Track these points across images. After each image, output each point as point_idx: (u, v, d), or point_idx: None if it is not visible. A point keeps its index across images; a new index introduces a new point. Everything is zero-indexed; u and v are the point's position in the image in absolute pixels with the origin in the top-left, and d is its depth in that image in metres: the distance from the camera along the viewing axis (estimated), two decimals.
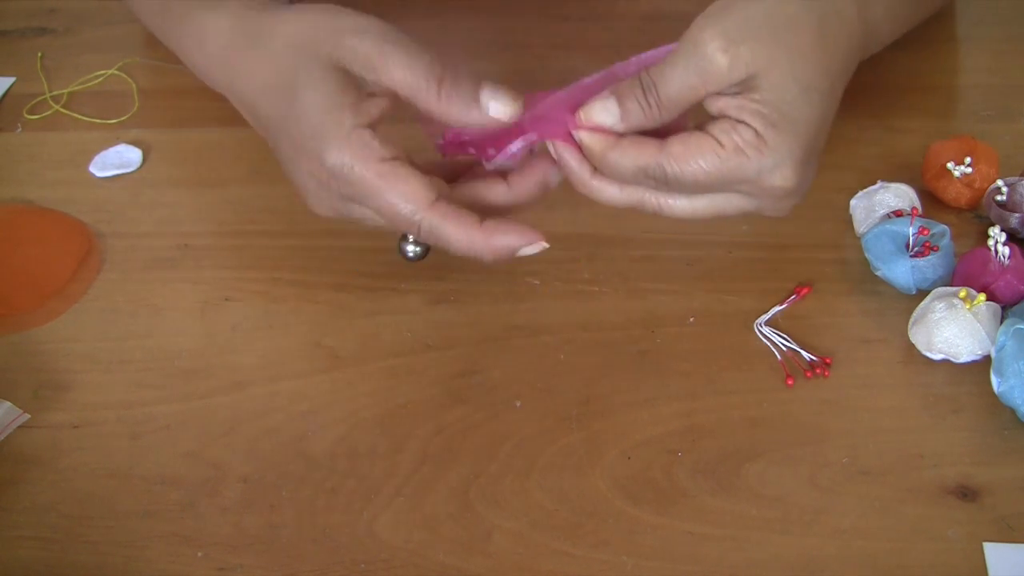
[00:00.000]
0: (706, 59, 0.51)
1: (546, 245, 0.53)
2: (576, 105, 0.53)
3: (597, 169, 0.54)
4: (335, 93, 0.53)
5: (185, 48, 0.63)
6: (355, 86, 0.53)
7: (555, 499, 0.51)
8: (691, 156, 0.51)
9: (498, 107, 0.53)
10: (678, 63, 0.51)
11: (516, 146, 0.54)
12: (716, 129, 0.51)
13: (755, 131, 0.51)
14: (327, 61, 0.53)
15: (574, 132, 0.53)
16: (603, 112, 0.53)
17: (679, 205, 0.54)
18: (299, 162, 0.54)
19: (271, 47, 0.56)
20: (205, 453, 0.53)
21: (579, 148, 0.53)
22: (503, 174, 0.55)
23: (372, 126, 0.53)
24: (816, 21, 0.53)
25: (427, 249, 0.58)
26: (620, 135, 0.52)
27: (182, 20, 0.62)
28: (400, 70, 0.53)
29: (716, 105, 0.52)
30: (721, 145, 0.51)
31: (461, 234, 0.52)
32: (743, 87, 0.51)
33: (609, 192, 0.54)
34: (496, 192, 0.55)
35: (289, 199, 0.60)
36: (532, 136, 0.54)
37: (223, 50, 0.59)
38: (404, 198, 0.52)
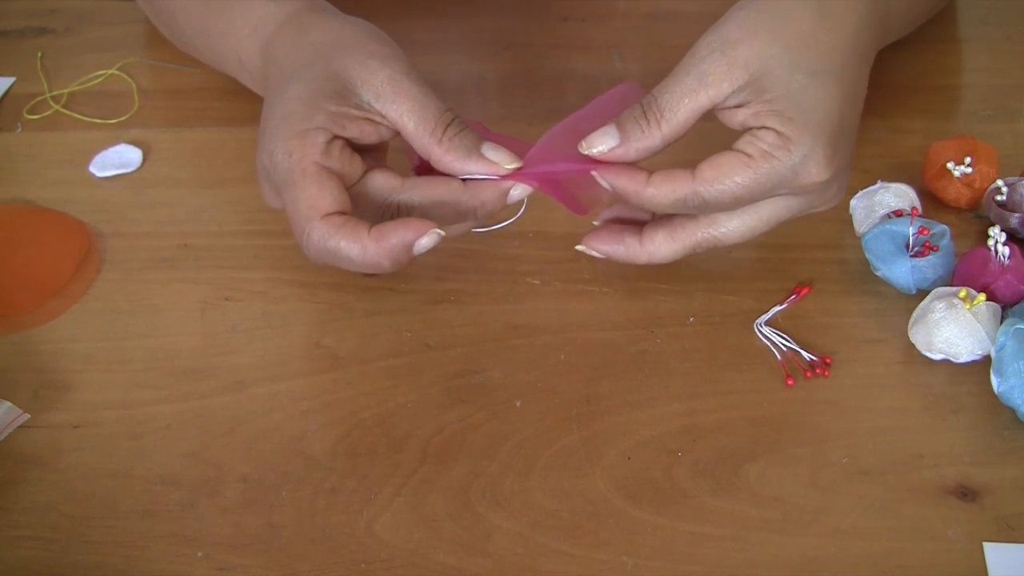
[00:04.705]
0: (702, 62, 0.52)
1: (442, 233, 0.52)
2: (566, 144, 0.54)
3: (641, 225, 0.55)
4: (323, 95, 0.53)
5: (231, 34, 0.63)
6: (347, 104, 0.53)
7: (555, 499, 0.51)
8: (723, 175, 0.51)
9: (498, 160, 0.54)
10: (677, 73, 0.52)
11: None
12: (741, 143, 0.52)
13: (775, 132, 0.51)
14: (339, 69, 0.54)
15: (597, 175, 0.53)
16: (602, 136, 0.53)
17: (732, 229, 0.54)
18: (262, 142, 0.54)
19: (303, 40, 0.57)
20: (205, 453, 0.53)
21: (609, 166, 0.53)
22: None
23: (334, 137, 0.53)
24: (814, 5, 0.53)
25: None
26: (650, 174, 0.53)
27: (236, 5, 0.62)
28: (410, 105, 0.53)
29: (736, 119, 0.53)
30: (748, 155, 0.51)
31: (353, 244, 0.51)
32: (753, 93, 0.52)
33: (664, 250, 0.55)
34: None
35: None
36: (534, 187, 0.55)
37: (269, 36, 0.60)
38: (308, 200, 0.52)
